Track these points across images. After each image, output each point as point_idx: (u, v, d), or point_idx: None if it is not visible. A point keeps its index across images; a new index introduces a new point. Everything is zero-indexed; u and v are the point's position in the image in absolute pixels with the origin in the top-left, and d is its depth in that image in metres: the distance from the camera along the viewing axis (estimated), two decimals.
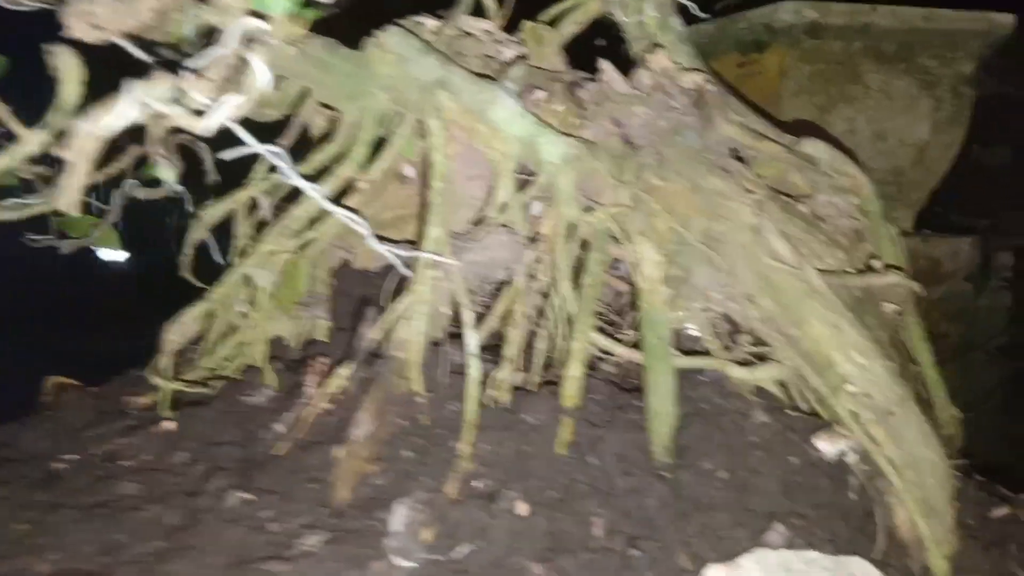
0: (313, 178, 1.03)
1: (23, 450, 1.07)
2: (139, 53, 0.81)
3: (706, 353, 1.04)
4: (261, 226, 1.12)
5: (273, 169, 1.00)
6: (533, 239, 1.09)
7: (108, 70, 0.78)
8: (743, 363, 1.04)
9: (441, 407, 0.99)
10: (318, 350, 1.10)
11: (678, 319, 1.06)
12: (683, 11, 1.29)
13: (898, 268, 1.16)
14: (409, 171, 1.22)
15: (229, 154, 0.91)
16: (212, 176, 1.19)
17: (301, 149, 1.14)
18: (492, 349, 1.04)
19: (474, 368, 0.95)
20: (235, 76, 0.77)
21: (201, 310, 1.02)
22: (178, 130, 1.16)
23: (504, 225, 1.02)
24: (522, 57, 1.15)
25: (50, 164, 0.87)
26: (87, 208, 1.25)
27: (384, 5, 1.12)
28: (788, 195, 1.19)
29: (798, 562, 0.87)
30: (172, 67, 0.74)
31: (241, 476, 0.94)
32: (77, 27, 0.76)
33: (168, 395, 1.04)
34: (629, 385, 1.07)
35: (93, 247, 1.30)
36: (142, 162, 1.18)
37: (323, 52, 0.97)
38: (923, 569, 0.94)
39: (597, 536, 0.87)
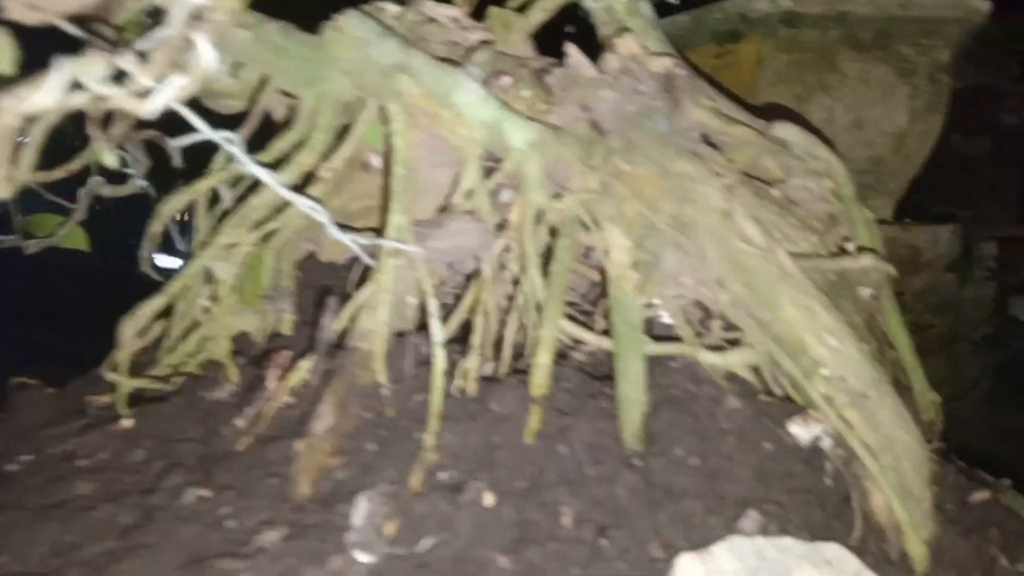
0: (274, 167, 1.01)
1: None
2: (82, 35, 0.78)
3: (677, 339, 1.02)
4: (225, 217, 1.09)
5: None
6: (501, 226, 1.07)
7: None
8: (715, 349, 1.02)
9: (407, 398, 0.96)
10: (282, 343, 1.07)
11: (648, 305, 1.04)
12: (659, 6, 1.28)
13: (873, 251, 1.14)
14: (376, 161, 1.20)
15: (181, 141, 0.89)
16: (178, 166, 1.16)
17: (270, 139, 1.11)
18: (463, 340, 1.02)
19: (439, 358, 0.93)
20: (182, 58, 0.74)
21: (158, 304, 0.99)
22: (144, 124, 1.14)
23: (468, 212, 1.00)
24: (487, 42, 1.13)
25: None
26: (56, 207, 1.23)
27: None
28: (761, 180, 1.18)
29: (772, 549, 0.85)
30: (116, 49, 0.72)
31: (199, 473, 0.91)
32: (14, 8, 0.74)
33: (125, 392, 1.01)
34: (600, 373, 1.05)
35: (59, 246, 1.27)
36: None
37: (279, 36, 0.95)
38: (901, 554, 0.92)
39: (566, 526, 0.85)
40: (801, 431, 0.96)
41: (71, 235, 1.26)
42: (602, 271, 1.14)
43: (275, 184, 0.87)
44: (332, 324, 0.96)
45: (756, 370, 1.03)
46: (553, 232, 1.07)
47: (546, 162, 1.04)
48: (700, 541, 0.84)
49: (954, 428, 1.24)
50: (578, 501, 0.86)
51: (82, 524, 0.87)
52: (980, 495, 1.09)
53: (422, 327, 1.05)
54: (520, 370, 1.01)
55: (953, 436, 1.23)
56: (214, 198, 1.13)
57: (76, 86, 0.68)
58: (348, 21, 0.96)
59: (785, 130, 1.18)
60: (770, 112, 1.29)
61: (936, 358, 2.84)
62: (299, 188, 1.01)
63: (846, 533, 0.91)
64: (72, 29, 0.75)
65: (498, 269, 1.06)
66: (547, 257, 1.05)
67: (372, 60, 0.97)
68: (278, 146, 1.02)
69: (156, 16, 0.82)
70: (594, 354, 1.09)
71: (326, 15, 0.98)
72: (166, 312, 1.09)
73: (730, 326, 1.04)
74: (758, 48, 2.02)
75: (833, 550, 0.86)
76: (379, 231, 1.11)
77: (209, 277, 1.05)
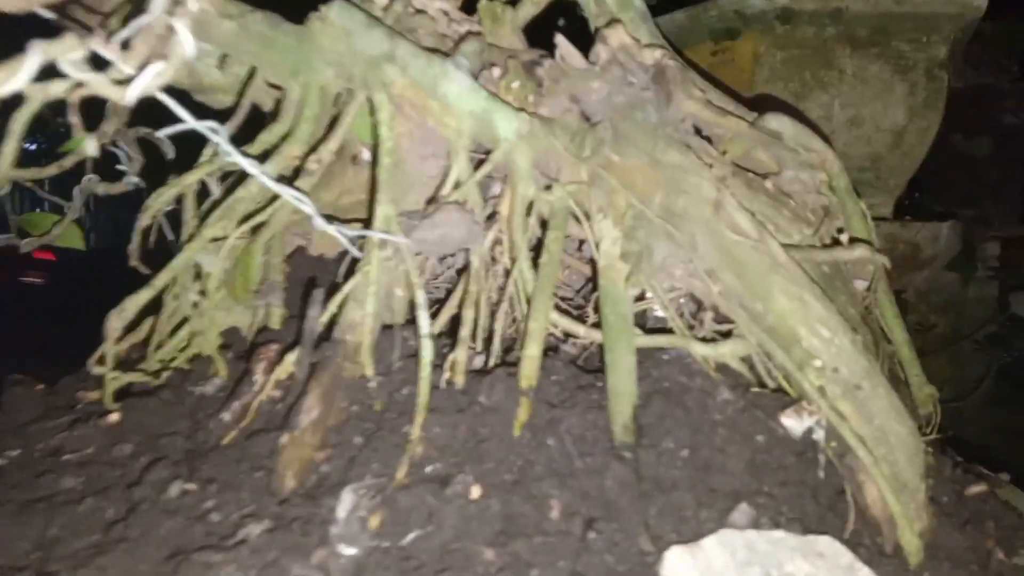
0: (262, 159, 1.00)
1: None
2: (62, 23, 0.78)
3: (669, 331, 1.01)
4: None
5: None
6: (490, 218, 1.06)
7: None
8: (707, 340, 1.01)
9: (394, 391, 0.95)
10: (270, 337, 1.06)
11: (639, 297, 1.03)
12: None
13: (867, 243, 1.13)
14: (366, 155, 1.19)
15: (167, 131, 0.88)
16: (170, 160, 1.15)
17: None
18: (453, 333, 1.01)
19: (427, 349, 0.92)
20: (162, 45, 0.74)
21: (145, 297, 0.98)
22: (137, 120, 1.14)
23: (456, 202, 0.99)
24: (475, 33, 1.12)
25: None
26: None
27: None
28: (754, 171, 1.17)
29: (764, 542, 0.84)
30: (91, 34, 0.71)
31: (185, 467, 0.91)
32: None
33: (112, 387, 1.00)
34: (591, 366, 1.04)
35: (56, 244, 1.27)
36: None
37: (265, 27, 0.94)
38: (895, 547, 0.91)
39: (554, 519, 0.83)
40: (794, 423, 0.95)
41: (67, 233, 1.26)
42: (594, 264, 1.13)
43: (260, 174, 0.87)
44: (318, 316, 0.95)
45: (749, 362, 1.02)
46: (543, 224, 1.06)
47: (536, 153, 1.04)
48: (691, 534, 0.83)
49: (957, 427, 1.23)
50: (566, 494, 0.85)
51: (67, 518, 0.86)
52: (977, 488, 1.07)
53: (411, 321, 1.04)
54: (510, 363, 1.00)
55: (956, 435, 1.22)
56: (203, 193, 1.13)
57: (57, 74, 0.67)
58: (334, 11, 0.96)
59: (778, 121, 1.17)
60: (765, 105, 1.28)
61: (939, 357, 2.82)
62: (288, 181, 1.00)
63: (839, 526, 0.90)
64: (51, 15, 0.74)
65: (488, 262, 1.05)
66: (538, 249, 1.04)
67: (358, 50, 0.97)
68: (265, 138, 1.01)
69: (139, 4, 0.81)
70: (585, 347, 1.08)
71: (313, 5, 0.98)
72: (158, 308, 1.09)
73: (722, 318, 1.03)
74: (755, 45, 2.01)
75: (826, 543, 0.85)
76: (367, 223, 1.10)
77: (198, 271, 1.05)
